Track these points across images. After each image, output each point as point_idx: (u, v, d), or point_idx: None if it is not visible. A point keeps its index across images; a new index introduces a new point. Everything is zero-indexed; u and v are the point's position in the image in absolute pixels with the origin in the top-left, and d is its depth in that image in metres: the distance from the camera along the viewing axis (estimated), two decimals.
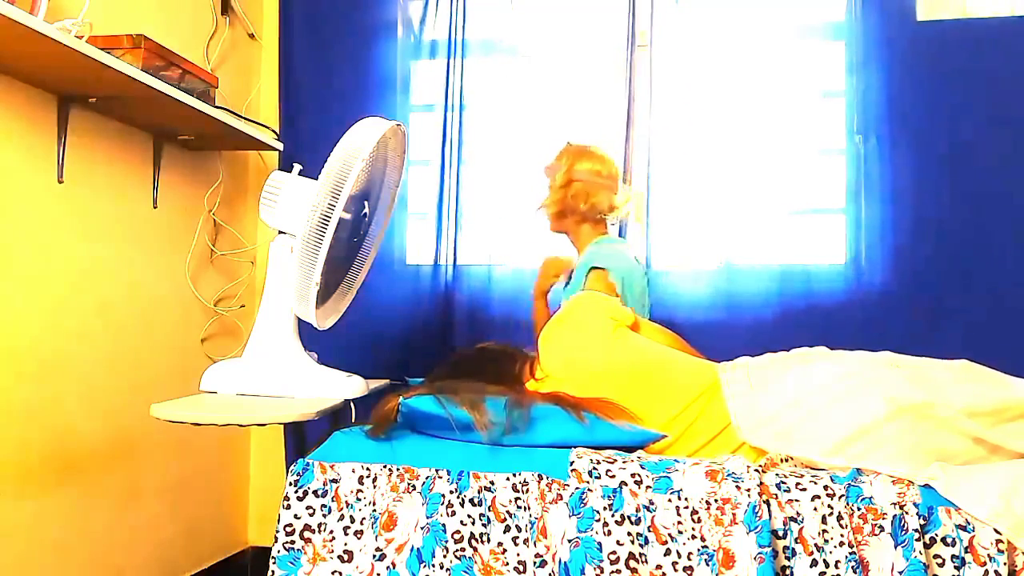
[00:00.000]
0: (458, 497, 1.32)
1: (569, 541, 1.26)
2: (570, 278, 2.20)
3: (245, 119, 2.36)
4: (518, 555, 1.29)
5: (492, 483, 1.33)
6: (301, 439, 1.96)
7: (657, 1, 2.54)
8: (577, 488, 1.30)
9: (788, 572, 1.22)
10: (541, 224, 2.28)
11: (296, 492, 1.37)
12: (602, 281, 2.08)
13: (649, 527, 1.26)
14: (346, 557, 1.33)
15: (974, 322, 2.27)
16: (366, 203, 1.66)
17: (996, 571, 1.19)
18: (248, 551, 2.76)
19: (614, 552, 1.24)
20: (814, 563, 1.21)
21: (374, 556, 1.31)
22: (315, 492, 1.37)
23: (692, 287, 2.47)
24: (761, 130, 2.47)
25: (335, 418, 1.70)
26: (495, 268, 2.55)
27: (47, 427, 1.88)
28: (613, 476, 1.30)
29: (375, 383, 1.93)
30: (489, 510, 1.31)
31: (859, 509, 1.25)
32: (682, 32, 2.52)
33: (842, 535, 1.22)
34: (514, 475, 1.33)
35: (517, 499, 1.32)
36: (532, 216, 2.27)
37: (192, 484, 2.47)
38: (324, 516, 1.36)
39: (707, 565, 1.23)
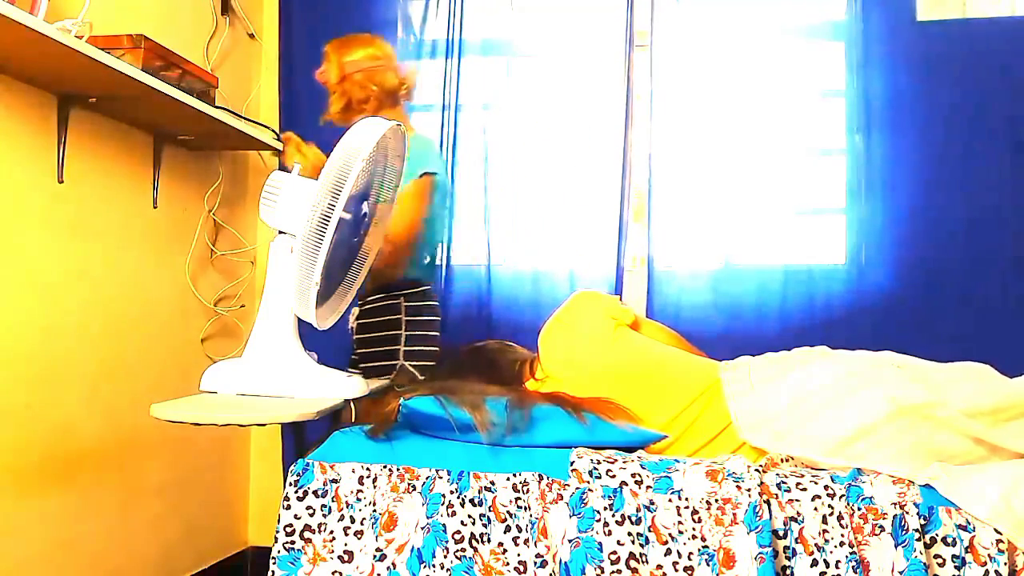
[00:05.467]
0: (458, 497, 1.32)
1: (570, 541, 1.26)
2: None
3: (245, 119, 2.36)
4: (518, 555, 1.28)
5: (492, 483, 1.33)
6: (301, 439, 1.96)
7: (657, 1, 2.54)
8: (577, 488, 1.30)
9: (789, 572, 1.22)
10: (541, 224, 2.27)
11: (296, 492, 1.36)
12: (427, 188, 2.00)
13: (650, 527, 1.26)
14: (346, 557, 1.33)
15: (974, 321, 2.27)
16: (366, 203, 1.66)
17: (996, 571, 1.19)
18: (248, 551, 2.76)
19: (615, 552, 1.24)
20: (815, 563, 1.21)
21: (374, 556, 1.31)
22: (315, 492, 1.37)
23: (693, 287, 2.47)
24: (761, 130, 2.47)
25: (335, 418, 1.70)
26: (494, 268, 2.55)
27: (47, 427, 1.88)
28: (613, 476, 1.30)
29: (375, 383, 1.93)
30: (489, 510, 1.31)
31: (859, 509, 1.25)
32: (682, 32, 2.52)
33: (842, 535, 1.22)
34: (514, 475, 1.33)
35: (518, 499, 1.31)
36: (529, 216, 2.27)
37: (192, 484, 2.46)
38: (324, 516, 1.35)
39: (708, 565, 1.23)
